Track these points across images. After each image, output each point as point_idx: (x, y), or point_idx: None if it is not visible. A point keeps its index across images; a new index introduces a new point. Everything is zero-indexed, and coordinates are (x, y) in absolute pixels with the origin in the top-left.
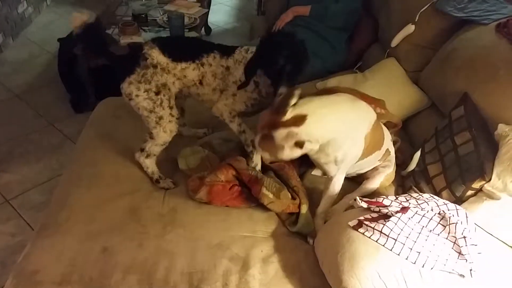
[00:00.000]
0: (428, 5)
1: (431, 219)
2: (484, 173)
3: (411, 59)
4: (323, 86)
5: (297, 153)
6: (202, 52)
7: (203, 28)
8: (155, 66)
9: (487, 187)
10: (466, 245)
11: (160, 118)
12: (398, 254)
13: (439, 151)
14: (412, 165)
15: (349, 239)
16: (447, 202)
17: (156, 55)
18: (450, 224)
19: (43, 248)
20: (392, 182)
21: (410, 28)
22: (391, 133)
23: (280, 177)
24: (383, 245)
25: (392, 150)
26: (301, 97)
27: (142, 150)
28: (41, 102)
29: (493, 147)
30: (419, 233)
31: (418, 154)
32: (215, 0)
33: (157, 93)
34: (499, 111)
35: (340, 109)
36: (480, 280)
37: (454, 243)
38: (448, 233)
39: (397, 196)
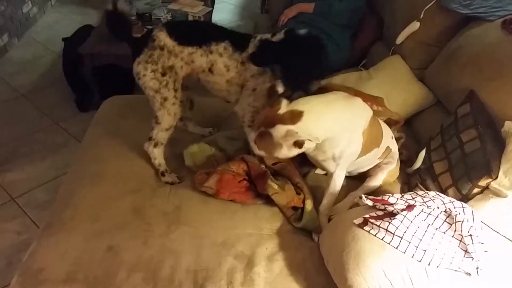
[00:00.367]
0: (433, 2)
1: (437, 217)
2: (490, 171)
3: (416, 56)
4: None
5: (295, 152)
6: (211, 39)
7: None
8: (162, 48)
9: (494, 184)
10: (472, 243)
11: (165, 99)
12: (404, 252)
13: (445, 148)
14: (418, 163)
15: (354, 237)
16: (453, 200)
17: (163, 38)
18: (456, 222)
19: (48, 246)
20: (397, 179)
21: (415, 25)
22: (393, 130)
23: (283, 175)
24: (389, 243)
25: (395, 147)
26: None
27: (150, 138)
28: (46, 101)
29: (500, 145)
30: (425, 231)
31: (423, 152)
32: None
33: (163, 74)
34: (505, 108)
35: (336, 107)
36: (487, 278)
37: (460, 241)
38: (454, 231)
39: (402, 194)
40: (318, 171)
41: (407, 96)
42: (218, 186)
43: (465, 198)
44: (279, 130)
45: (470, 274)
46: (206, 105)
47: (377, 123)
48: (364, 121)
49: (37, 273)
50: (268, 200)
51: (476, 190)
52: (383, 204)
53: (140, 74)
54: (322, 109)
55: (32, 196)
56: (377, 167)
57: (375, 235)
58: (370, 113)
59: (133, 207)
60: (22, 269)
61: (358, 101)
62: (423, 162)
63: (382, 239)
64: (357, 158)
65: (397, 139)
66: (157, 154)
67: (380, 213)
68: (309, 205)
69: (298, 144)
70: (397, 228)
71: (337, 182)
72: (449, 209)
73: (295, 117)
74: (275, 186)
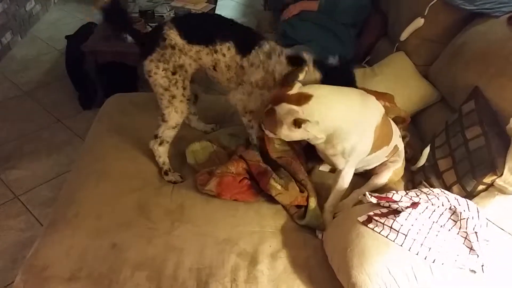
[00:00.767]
0: None
1: (442, 214)
2: (495, 168)
3: (420, 53)
4: None
5: (296, 134)
6: (216, 38)
7: None
8: (173, 47)
9: (499, 182)
10: (477, 241)
11: (173, 97)
12: (408, 250)
13: (449, 145)
14: (422, 160)
15: (358, 235)
16: (458, 197)
17: (174, 36)
18: (461, 219)
19: (52, 244)
20: (401, 177)
21: (420, 21)
22: (399, 128)
23: (288, 171)
24: (393, 241)
25: (401, 146)
26: None
27: (156, 136)
28: (49, 99)
29: (505, 142)
30: (430, 228)
31: (427, 150)
32: None
33: (173, 73)
34: (510, 105)
35: (348, 99)
36: (492, 275)
37: (465, 238)
38: (459, 229)
39: (407, 191)
40: (323, 168)
41: (411, 93)
42: (218, 189)
43: (469, 195)
44: (283, 108)
45: (475, 272)
46: (210, 102)
47: (388, 122)
48: (377, 118)
49: (41, 270)
50: (271, 197)
51: (480, 187)
52: (387, 202)
53: (152, 72)
54: (332, 98)
55: (36, 194)
56: (383, 165)
57: (379, 233)
58: (383, 111)
59: (137, 205)
60: (26, 267)
61: (373, 98)
62: (427, 160)
63: (386, 237)
64: (367, 155)
65: (402, 138)
66: (162, 153)
67: (385, 210)
68: (312, 202)
69: (298, 123)
70: (401, 225)
71: (345, 179)
72: (454, 206)
73: (302, 99)
74: (279, 187)
